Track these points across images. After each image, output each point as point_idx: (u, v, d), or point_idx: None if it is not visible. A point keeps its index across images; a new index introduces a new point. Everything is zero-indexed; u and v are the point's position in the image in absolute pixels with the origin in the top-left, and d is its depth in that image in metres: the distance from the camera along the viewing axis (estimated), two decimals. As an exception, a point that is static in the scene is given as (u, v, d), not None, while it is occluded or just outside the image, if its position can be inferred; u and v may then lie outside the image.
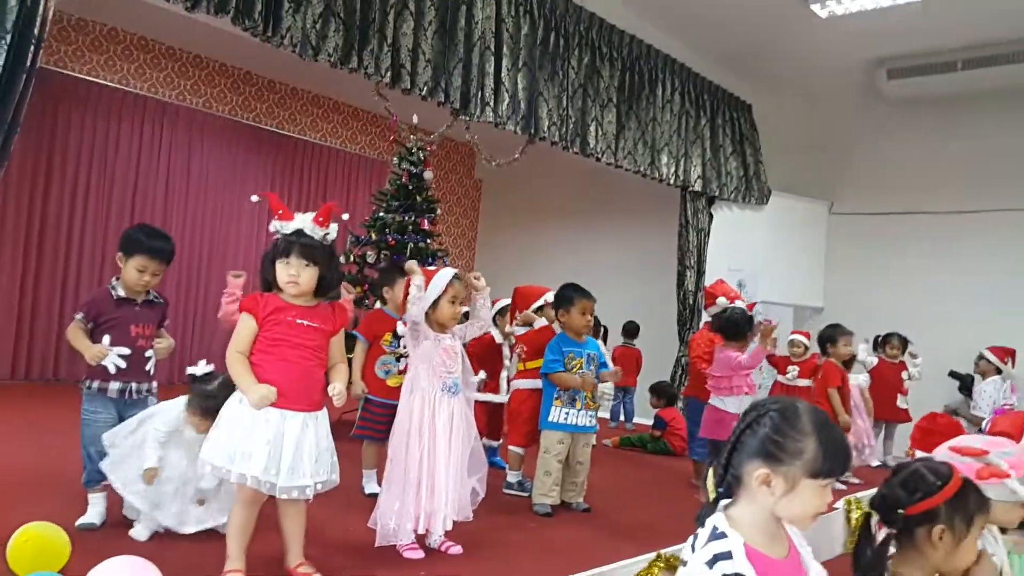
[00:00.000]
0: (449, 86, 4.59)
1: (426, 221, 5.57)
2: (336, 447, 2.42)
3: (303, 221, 2.36)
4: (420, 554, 2.69)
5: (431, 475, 2.71)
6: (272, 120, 7.99)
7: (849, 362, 5.34)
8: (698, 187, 6.81)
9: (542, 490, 3.54)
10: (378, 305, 4.14)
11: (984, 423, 2.81)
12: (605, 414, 7.02)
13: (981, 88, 6.65)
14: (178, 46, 7.23)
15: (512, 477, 3.96)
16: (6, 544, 2.21)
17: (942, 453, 1.98)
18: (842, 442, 1.37)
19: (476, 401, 3.62)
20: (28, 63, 3.12)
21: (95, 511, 2.72)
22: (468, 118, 4.82)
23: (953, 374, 6.68)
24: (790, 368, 5.36)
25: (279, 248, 2.34)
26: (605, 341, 6.48)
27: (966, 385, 6.63)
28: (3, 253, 6.33)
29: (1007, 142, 6.86)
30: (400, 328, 2.95)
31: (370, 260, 5.47)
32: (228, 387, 2.36)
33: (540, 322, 4.22)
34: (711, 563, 1.29)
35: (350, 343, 3.76)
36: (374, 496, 2.94)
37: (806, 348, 5.44)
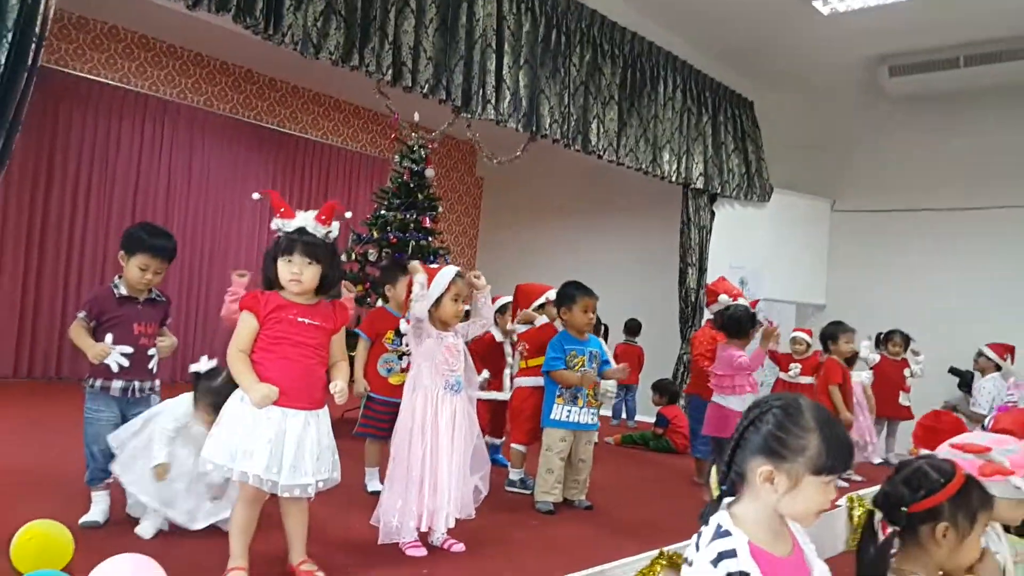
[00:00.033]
0: (450, 84, 4.58)
1: (427, 219, 5.56)
2: (338, 445, 2.42)
3: (305, 219, 2.36)
4: (423, 552, 2.70)
5: (434, 473, 2.71)
6: (273, 118, 7.99)
7: (852, 359, 5.34)
8: (700, 184, 6.80)
9: (544, 488, 3.55)
10: (380, 303, 4.14)
11: (987, 420, 2.80)
12: (607, 412, 7.02)
13: (983, 85, 6.64)
14: (179, 44, 7.23)
15: (514, 475, 3.96)
16: (10, 542, 2.21)
17: (944, 450, 1.97)
18: (845, 438, 1.37)
19: (479, 399, 3.62)
20: (29, 62, 3.13)
21: (98, 509, 2.72)
22: (469, 116, 4.81)
23: (953, 371, 6.68)
24: (792, 365, 5.36)
25: (281, 246, 2.33)
26: (606, 339, 6.47)
27: (966, 382, 6.63)
28: (5, 251, 6.33)
29: (1009, 139, 6.85)
30: (403, 326, 2.95)
31: (372, 258, 5.47)
32: (234, 381, 2.36)
33: (541, 320, 4.22)
34: (715, 561, 1.29)
35: (352, 341, 3.78)
36: (376, 494, 2.94)
37: (808, 345, 5.44)
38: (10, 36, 3.03)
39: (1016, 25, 5.96)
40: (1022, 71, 6.29)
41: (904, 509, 1.63)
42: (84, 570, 1.96)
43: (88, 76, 6.66)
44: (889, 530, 1.66)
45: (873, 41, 6.50)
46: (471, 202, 10.24)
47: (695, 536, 1.40)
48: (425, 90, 4.46)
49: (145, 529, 2.62)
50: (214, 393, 2.55)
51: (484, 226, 10.31)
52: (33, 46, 3.13)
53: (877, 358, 5.96)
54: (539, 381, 3.85)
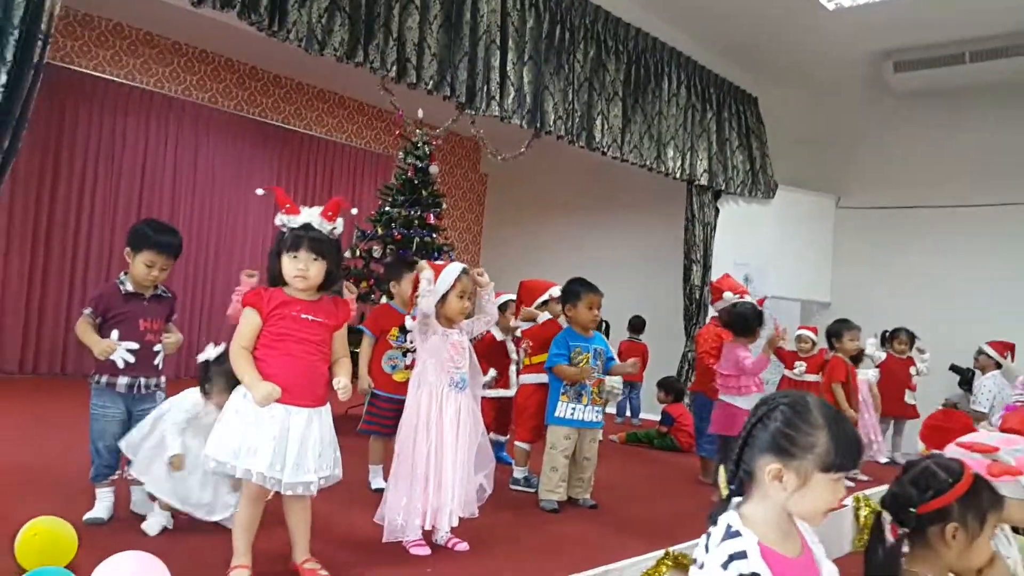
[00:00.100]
0: (455, 80, 4.57)
1: (432, 216, 5.56)
2: (341, 442, 2.42)
3: (310, 215, 2.35)
4: (427, 550, 2.69)
5: (438, 470, 2.71)
6: (278, 115, 7.99)
7: (858, 357, 5.33)
8: (704, 181, 6.78)
9: (548, 486, 3.54)
10: (384, 300, 4.13)
11: (995, 418, 2.79)
12: (611, 409, 7.01)
13: (989, 81, 6.60)
14: (184, 41, 7.24)
15: (518, 473, 3.95)
16: (14, 538, 2.21)
17: (952, 450, 1.96)
18: (853, 435, 1.36)
19: (483, 396, 3.62)
20: (35, 59, 3.13)
21: (103, 506, 2.73)
22: (474, 112, 4.80)
23: (954, 368, 6.65)
24: (797, 363, 5.34)
25: (287, 242, 2.33)
26: (608, 336, 6.47)
27: (966, 380, 6.60)
28: (11, 248, 6.35)
29: (1015, 135, 6.81)
30: (408, 323, 2.94)
31: (376, 255, 5.46)
32: None
33: (543, 316, 4.21)
34: (726, 564, 1.28)
35: (357, 338, 3.77)
36: (380, 491, 2.94)
37: (813, 343, 5.43)
38: (16, 33, 3.03)
39: (1022, 20, 5.92)
40: (1029, 67, 6.26)
41: (913, 510, 1.62)
42: (88, 567, 1.96)
43: (93, 73, 6.67)
44: (898, 532, 1.65)
45: (878, 36, 6.47)
46: (475, 199, 10.23)
47: (704, 536, 1.39)
48: (429, 86, 4.45)
49: (150, 526, 2.63)
50: (228, 374, 2.54)
51: (488, 223, 10.30)
52: (39, 43, 3.13)
53: (883, 356, 5.94)
54: (543, 378, 3.85)
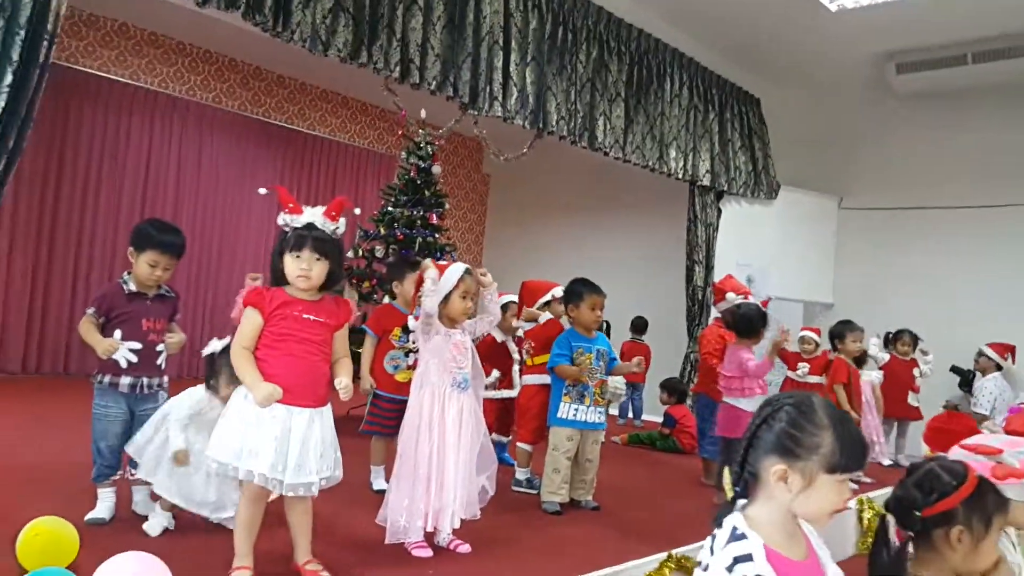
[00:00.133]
0: (458, 80, 4.57)
1: (434, 216, 5.56)
2: (343, 443, 2.41)
3: (313, 215, 2.35)
4: (428, 552, 2.69)
5: (440, 471, 2.70)
6: (281, 115, 8.00)
7: (862, 358, 5.31)
8: (706, 181, 6.77)
9: (551, 488, 3.53)
10: (387, 300, 4.13)
11: (999, 420, 2.78)
12: (613, 411, 7.00)
13: (992, 82, 6.58)
14: (188, 41, 7.25)
15: (520, 474, 3.94)
16: (16, 538, 2.21)
17: (956, 452, 1.95)
18: (859, 436, 1.35)
19: (486, 397, 3.61)
20: (41, 58, 3.14)
21: (104, 506, 2.73)
22: (476, 113, 4.80)
23: (954, 369, 6.63)
24: (800, 364, 5.33)
25: (290, 242, 2.32)
26: (608, 337, 6.46)
27: (967, 381, 6.59)
28: (15, 247, 6.36)
29: (1018, 136, 6.79)
30: (411, 323, 2.94)
31: (378, 255, 5.47)
32: None
33: (544, 317, 4.20)
34: (731, 566, 1.28)
35: (359, 338, 3.77)
36: (382, 493, 2.93)
37: (817, 345, 5.41)
38: (22, 33, 3.04)
39: (1026, 21, 5.91)
40: (1032, 68, 6.24)
41: (917, 513, 1.61)
42: (89, 567, 1.96)
43: (98, 73, 6.69)
44: (903, 535, 1.64)
45: (880, 38, 6.46)
46: (478, 199, 10.24)
47: (709, 539, 1.38)
48: (432, 87, 4.45)
49: (151, 527, 2.62)
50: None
51: (490, 223, 10.30)
52: (45, 43, 3.14)
53: (886, 357, 5.93)
54: (545, 379, 3.84)
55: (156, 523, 2.63)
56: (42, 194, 6.48)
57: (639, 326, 7.32)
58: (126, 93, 6.90)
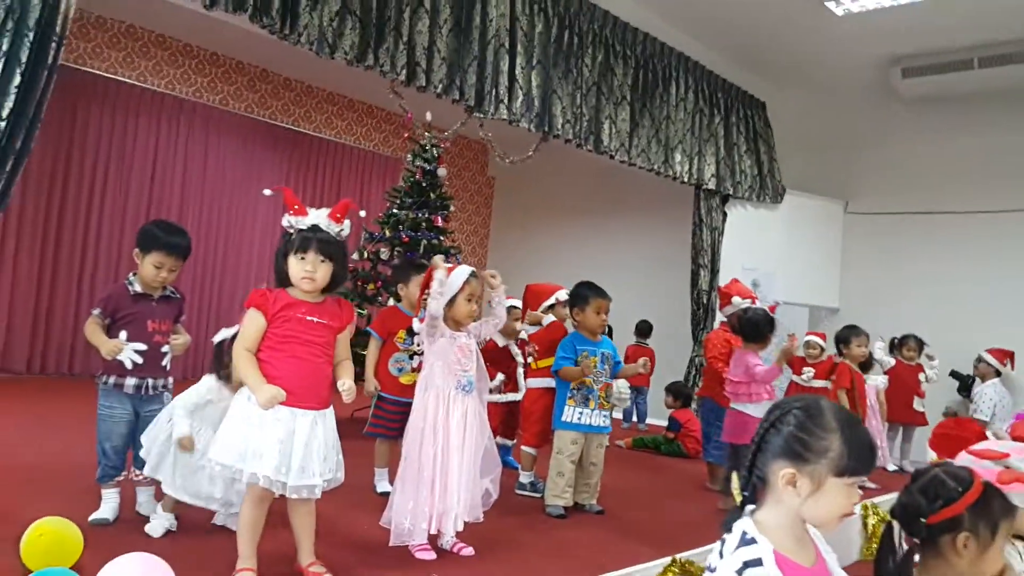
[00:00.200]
0: (464, 84, 4.58)
1: (439, 218, 5.56)
2: (348, 445, 2.41)
3: (318, 217, 2.35)
4: (432, 555, 2.68)
5: (444, 474, 2.70)
6: (288, 117, 8.02)
7: (867, 363, 5.29)
8: (712, 185, 6.77)
9: (555, 491, 3.52)
10: (392, 302, 4.13)
11: (1004, 427, 2.76)
12: (618, 415, 6.99)
13: (998, 86, 6.56)
14: (196, 43, 7.28)
15: (524, 478, 3.94)
16: (20, 538, 2.22)
17: (962, 458, 1.94)
18: (868, 440, 1.35)
19: (490, 401, 3.60)
20: (49, 60, 3.16)
21: (108, 507, 2.73)
22: (482, 115, 4.81)
23: (954, 374, 6.60)
24: (805, 369, 5.32)
25: (294, 243, 2.32)
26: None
27: (965, 386, 6.56)
28: (21, 248, 6.38)
29: (1025, 141, 6.77)
30: (416, 325, 2.94)
31: (384, 257, 5.47)
32: None
33: (548, 319, 4.20)
34: (740, 571, 1.27)
35: (364, 340, 3.77)
36: (386, 495, 2.93)
37: (822, 349, 5.40)
38: (31, 35, 3.06)
39: (1033, 26, 5.89)
40: (1039, 73, 6.22)
41: (923, 520, 1.60)
42: (93, 568, 1.96)
43: (106, 74, 6.72)
44: (909, 542, 1.63)
45: (886, 42, 6.44)
46: (483, 201, 10.24)
47: (719, 543, 1.38)
48: (439, 90, 4.46)
49: (153, 528, 2.62)
50: None
51: (495, 226, 10.31)
52: (53, 45, 3.16)
53: (892, 361, 5.91)
54: (550, 383, 3.84)
55: (158, 524, 2.63)
56: (49, 195, 6.51)
57: (643, 330, 7.31)
58: (133, 95, 6.93)
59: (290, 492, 2.23)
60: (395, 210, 5.61)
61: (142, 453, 2.67)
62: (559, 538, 3.15)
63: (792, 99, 7.69)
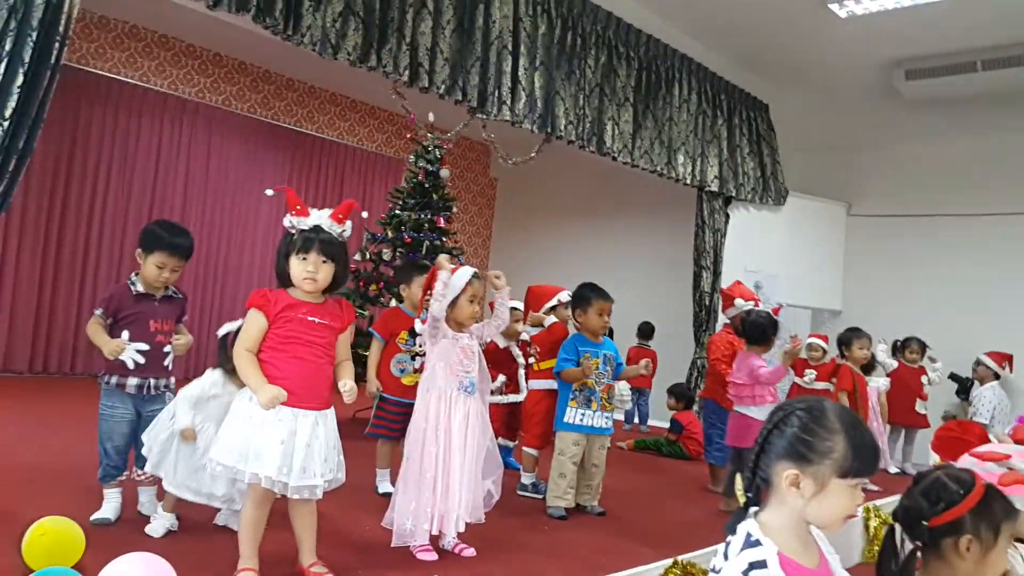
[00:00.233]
0: (466, 85, 4.58)
1: (442, 219, 5.57)
2: (349, 446, 2.41)
3: (320, 217, 2.35)
4: (433, 556, 2.68)
5: (446, 475, 2.70)
6: (290, 118, 8.03)
7: (870, 366, 5.29)
8: (715, 187, 6.76)
9: (556, 492, 3.52)
10: (394, 303, 4.13)
11: (1007, 430, 2.75)
12: (619, 416, 6.99)
13: (1002, 89, 6.54)
14: (199, 44, 7.29)
15: (526, 479, 3.94)
16: (22, 538, 2.22)
17: (964, 460, 1.94)
18: (871, 441, 1.35)
19: (492, 402, 3.60)
20: (52, 60, 3.16)
21: (110, 507, 2.73)
22: (485, 116, 4.81)
23: (953, 376, 6.59)
24: (807, 371, 5.32)
25: (296, 244, 2.32)
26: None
27: (964, 388, 6.55)
28: (23, 247, 6.39)
29: (1029, 144, 6.76)
30: (418, 326, 2.94)
31: (386, 258, 5.48)
32: None
33: (550, 320, 4.20)
34: (746, 572, 1.27)
35: (366, 341, 3.77)
36: (387, 496, 2.93)
37: (824, 351, 5.40)
38: (35, 35, 3.06)
39: (1037, 29, 5.88)
40: (1043, 75, 6.21)
41: (925, 523, 1.60)
42: (95, 567, 1.96)
43: (108, 74, 6.73)
44: (910, 545, 1.62)
45: (890, 45, 6.43)
46: (485, 203, 10.24)
47: (723, 545, 1.38)
48: (441, 91, 4.46)
49: (154, 529, 2.62)
50: None
51: (497, 227, 10.31)
52: (56, 45, 3.16)
53: (894, 363, 5.91)
54: (551, 384, 3.84)
55: (159, 525, 2.63)
56: (51, 195, 6.52)
57: (646, 331, 7.31)
58: (136, 95, 6.94)
59: (291, 493, 2.23)
60: (397, 211, 5.62)
61: (143, 451, 2.66)
62: (560, 539, 3.14)
63: (795, 101, 7.69)
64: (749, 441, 1.32)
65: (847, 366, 5.05)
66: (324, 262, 2.31)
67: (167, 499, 2.68)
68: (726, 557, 1.34)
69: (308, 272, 2.30)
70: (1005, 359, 6.10)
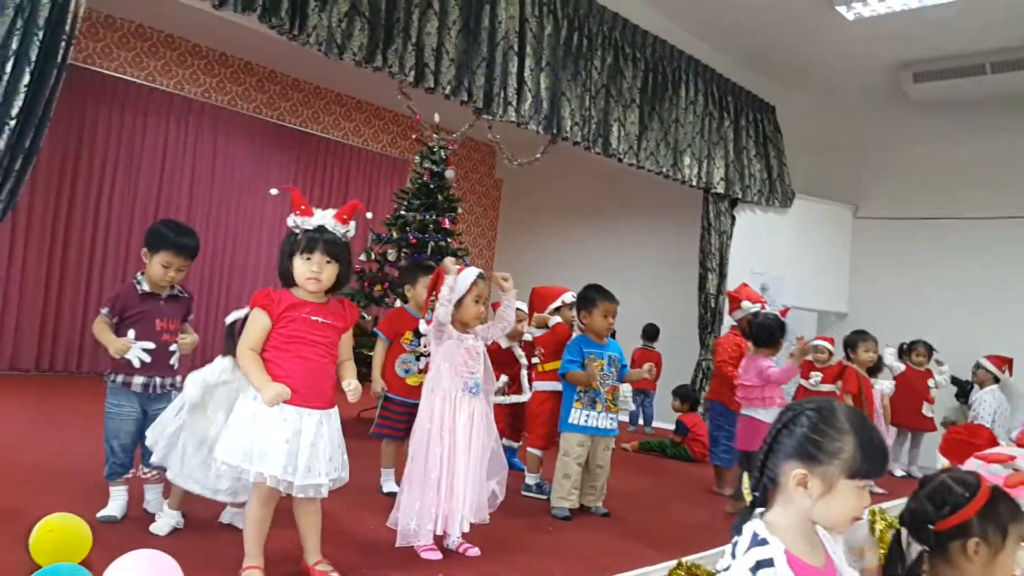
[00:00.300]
0: (472, 85, 4.58)
1: (447, 220, 5.57)
2: (354, 445, 2.41)
3: (324, 217, 2.35)
4: (438, 555, 2.68)
5: (451, 475, 2.70)
6: (296, 118, 8.04)
7: (876, 368, 5.27)
8: (721, 189, 6.75)
9: (561, 493, 3.52)
10: (399, 303, 4.13)
11: (1014, 434, 2.74)
12: (624, 417, 6.98)
13: (1010, 92, 6.51)
14: (204, 44, 7.31)
15: (531, 479, 3.94)
16: (29, 534, 2.23)
17: (970, 463, 1.93)
18: (880, 442, 1.34)
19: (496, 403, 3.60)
20: (59, 59, 3.17)
21: (116, 504, 2.74)
22: (490, 117, 4.81)
23: (953, 380, 6.56)
24: (813, 374, 5.30)
25: (300, 244, 2.32)
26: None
27: (964, 392, 6.53)
28: (30, 246, 6.41)
29: (1037, 146, 6.73)
30: (423, 326, 2.94)
31: (391, 258, 5.48)
32: None
33: (554, 320, 4.19)
34: (754, 569, 1.27)
35: (371, 341, 3.77)
36: (392, 495, 2.94)
37: (830, 354, 5.38)
38: (41, 34, 3.07)
39: (1046, 31, 5.85)
40: (1051, 78, 6.18)
41: (931, 527, 1.59)
42: (101, 564, 1.96)
43: (115, 74, 6.75)
44: (918, 549, 1.62)
45: (898, 47, 6.41)
46: (490, 204, 10.25)
47: (730, 545, 1.38)
48: (447, 91, 4.46)
49: (159, 527, 2.63)
50: None
51: (503, 228, 10.31)
52: (63, 44, 3.17)
53: (902, 367, 5.89)
54: (556, 386, 3.83)
55: (164, 523, 2.64)
56: (57, 194, 6.54)
57: (650, 333, 7.30)
58: (142, 94, 6.96)
59: (297, 491, 2.23)
60: (403, 212, 5.62)
61: (148, 443, 2.66)
62: (565, 540, 3.14)
63: (802, 103, 7.67)
64: (757, 444, 1.32)
65: (853, 368, 5.03)
66: (328, 262, 2.32)
67: (173, 497, 2.69)
68: (733, 556, 1.34)
69: (312, 272, 2.30)
70: (1005, 363, 6.08)
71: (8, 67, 3.01)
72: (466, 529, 2.75)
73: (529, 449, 4.01)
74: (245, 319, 2.42)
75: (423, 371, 3.42)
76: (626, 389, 6.76)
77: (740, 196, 6.98)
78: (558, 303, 4.26)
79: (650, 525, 3.54)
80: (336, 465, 2.32)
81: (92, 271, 6.78)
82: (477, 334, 2.92)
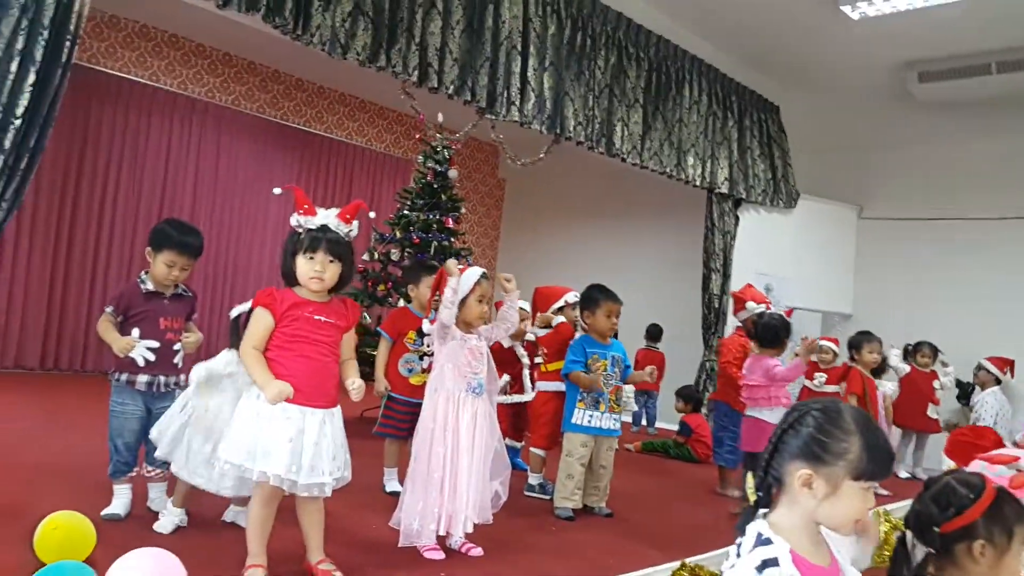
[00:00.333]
0: (475, 85, 4.58)
1: (450, 220, 5.57)
2: (358, 444, 2.41)
3: (327, 217, 2.35)
4: (441, 555, 2.68)
5: (454, 475, 2.70)
6: (299, 118, 8.05)
7: (880, 369, 5.26)
8: (724, 189, 6.74)
9: (564, 493, 3.52)
10: (402, 303, 4.13)
11: (1019, 436, 2.74)
12: (627, 418, 6.97)
13: (1016, 92, 6.48)
14: (208, 44, 7.32)
15: (534, 480, 3.93)
16: (34, 532, 2.23)
17: (974, 464, 1.92)
18: (886, 444, 1.34)
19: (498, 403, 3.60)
20: (63, 59, 3.17)
21: (120, 502, 2.74)
22: (494, 117, 4.81)
23: (955, 381, 6.54)
24: (817, 374, 5.29)
25: (303, 243, 2.32)
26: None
27: (965, 394, 6.50)
28: (34, 245, 6.43)
29: (1043, 147, 6.71)
30: (426, 326, 2.94)
31: (394, 258, 5.48)
32: None
33: (558, 319, 4.19)
34: (760, 568, 1.27)
35: (374, 340, 3.77)
36: (395, 495, 2.94)
37: (835, 355, 5.37)
38: (46, 34, 3.08)
39: (1052, 32, 5.83)
40: (1057, 78, 6.16)
41: (936, 529, 1.58)
42: (105, 562, 1.96)
43: (119, 74, 6.77)
44: (923, 552, 1.61)
45: (903, 47, 6.39)
46: (493, 203, 10.25)
47: (734, 546, 1.37)
48: (450, 91, 4.46)
49: (162, 526, 2.63)
50: None
51: (506, 228, 10.31)
52: (67, 44, 3.18)
53: (907, 368, 5.87)
54: (559, 386, 3.83)
55: (168, 521, 2.64)
56: (62, 193, 6.56)
57: (654, 334, 7.29)
58: (146, 94, 6.98)
59: (300, 490, 2.23)
60: (406, 211, 5.63)
61: (152, 436, 2.66)
62: (568, 540, 3.14)
63: (806, 103, 7.65)
64: (762, 445, 1.31)
65: (857, 369, 5.02)
66: (331, 261, 2.32)
67: (176, 495, 2.69)
68: (738, 555, 1.34)
69: (315, 271, 2.30)
70: (1007, 364, 6.06)
71: (13, 67, 3.02)
72: (470, 529, 2.75)
73: (532, 449, 4.00)
74: (250, 312, 2.41)
75: (426, 371, 3.42)
76: (628, 390, 6.75)
77: (744, 196, 6.96)
78: (561, 303, 4.25)
79: (653, 526, 3.54)
80: (339, 464, 2.32)
81: (96, 270, 6.80)
82: (480, 334, 2.91)
